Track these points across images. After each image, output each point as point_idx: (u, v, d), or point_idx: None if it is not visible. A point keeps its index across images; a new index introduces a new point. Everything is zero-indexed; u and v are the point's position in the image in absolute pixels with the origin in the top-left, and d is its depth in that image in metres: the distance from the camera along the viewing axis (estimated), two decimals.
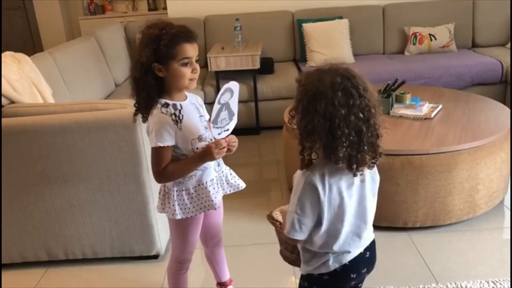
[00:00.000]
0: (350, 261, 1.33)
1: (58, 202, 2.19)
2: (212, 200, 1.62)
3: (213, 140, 1.58)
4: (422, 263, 2.18)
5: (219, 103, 1.49)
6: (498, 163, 2.38)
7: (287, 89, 3.83)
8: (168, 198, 1.63)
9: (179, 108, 1.55)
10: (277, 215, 1.73)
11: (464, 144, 2.27)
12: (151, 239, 2.26)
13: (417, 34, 4.26)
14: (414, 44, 4.28)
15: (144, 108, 1.55)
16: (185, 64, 1.50)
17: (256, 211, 2.59)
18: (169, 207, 1.62)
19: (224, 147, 1.52)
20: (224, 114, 1.55)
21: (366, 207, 1.32)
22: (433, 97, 2.95)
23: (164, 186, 1.65)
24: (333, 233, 1.29)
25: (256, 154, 3.62)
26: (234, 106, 1.58)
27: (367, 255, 1.36)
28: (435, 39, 4.25)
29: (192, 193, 1.61)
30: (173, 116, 1.53)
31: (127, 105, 2.14)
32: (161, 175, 1.55)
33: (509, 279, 2.00)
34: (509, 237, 2.31)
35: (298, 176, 1.27)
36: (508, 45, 4.29)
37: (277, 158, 3.43)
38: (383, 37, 4.42)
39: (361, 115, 1.18)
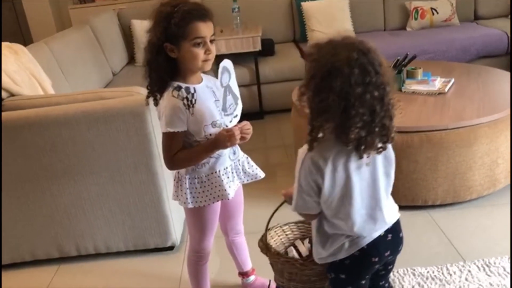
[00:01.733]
0: (368, 245, 1.27)
1: (67, 197, 2.10)
2: (226, 190, 1.54)
3: (226, 127, 1.51)
4: (446, 241, 2.13)
5: (222, 85, 1.42)
6: None
7: (290, 70, 3.74)
8: (181, 185, 1.56)
9: (192, 91, 1.46)
10: (273, 236, 1.70)
11: (483, 117, 2.21)
12: (166, 230, 2.18)
13: (419, 8, 4.17)
14: (415, 19, 4.19)
15: (156, 90, 1.47)
16: (198, 44, 1.40)
17: (269, 197, 2.51)
18: (181, 195, 1.55)
19: (236, 135, 1.44)
20: (230, 99, 1.48)
21: (379, 188, 1.25)
22: (443, 72, 2.88)
23: (178, 173, 1.57)
24: (343, 215, 1.24)
25: (261, 140, 3.53)
26: (235, 88, 1.51)
27: (389, 238, 1.30)
28: (437, 13, 4.16)
29: (205, 181, 1.54)
30: (185, 100, 1.43)
31: (134, 92, 2.05)
32: (171, 161, 1.47)
33: None
34: None
35: (303, 152, 1.22)
36: None
37: (284, 143, 3.35)
38: (383, 13, 4.32)
39: (376, 93, 1.11)
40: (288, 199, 1.37)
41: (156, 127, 2.02)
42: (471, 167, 2.23)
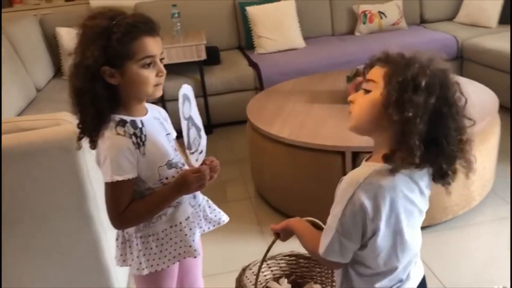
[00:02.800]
0: None
1: None
2: (190, 246, 1.26)
3: (187, 167, 1.23)
4: (426, 269, 1.92)
5: (184, 118, 1.13)
6: (490, 149, 2.18)
7: (239, 80, 3.46)
8: (130, 247, 1.24)
9: (140, 125, 1.16)
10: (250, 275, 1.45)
11: None
12: (108, 283, 1.82)
13: (367, 12, 4.04)
14: (364, 23, 4.05)
15: (92, 129, 1.14)
16: (147, 65, 1.11)
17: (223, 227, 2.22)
18: (132, 259, 1.24)
19: (206, 176, 1.17)
20: (193, 132, 1.19)
21: (419, 230, 1.06)
22: None
23: (124, 232, 1.25)
24: (388, 269, 1.01)
25: (212, 155, 3.21)
26: (197, 118, 1.23)
27: None
28: (385, 16, 4.05)
29: (162, 239, 1.23)
30: (134, 138, 1.13)
31: (61, 120, 1.68)
32: (121, 219, 1.16)
33: None
34: (509, 229, 2.13)
35: (347, 183, 0.95)
36: (456, 19, 4.19)
37: (237, 157, 3.07)
38: (331, 17, 4.15)
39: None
40: (282, 235, 1.20)
41: (90, 163, 1.67)
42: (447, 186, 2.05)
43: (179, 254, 1.24)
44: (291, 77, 3.34)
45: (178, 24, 3.57)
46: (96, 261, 1.77)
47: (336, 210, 0.96)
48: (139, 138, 1.14)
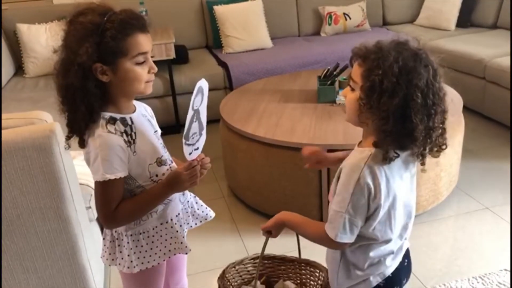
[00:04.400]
0: (393, 273, 1.15)
1: None
2: (182, 242, 1.26)
3: (175, 165, 1.24)
4: None
5: (192, 108, 1.13)
6: (456, 146, 2.28)
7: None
8: (119, 246, 1.22)
9: (130, 123, 1.15)
10: (233, 273, 1.45)
11: None
12: (85, 285, 1.78)
13: (332, 13, 4.11)
14: (329, 24, 4.13)
15: (83, 127, 1.11)
16: (140, 63, 1.11)
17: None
18: (122, 258, 1.22)
19: (198, 173, 1.17)
20: (195, 126, 1.18)
21: (412, 206, 1.16)
22: None
23: (114, 230, 1.22)
24: (383, 237, 1.10)
25: (180, 155, 3.18)
26: (204, 115, 1.21)
27: (405, 263, 1.20)
28: (350, 18, 4.14)
29: (153, 236, 1.23)
30: (125, 136, 1.12)
31: (35, 119, 1.63)
32: (113, 218, 1.14)
33: (496, 272, 1.90)
34: (474, 224, 2.23)
35: (351, 169, 1.04)
36: (417, 22, 4.34)
37: (208, 156, 3.04)
38: (297, 18, 4.20)
39: (444, 91, 1.04)
40: (274, 231, 1.24)
41: (67, 163, 1.62)
42: (418, 182, 2.12)
43: (169, 250, 1.24)
44: (260, 77, 3.37)
45: (148, 22, 3.51)
46: (72, 263, 1.72)
47: (343, 196, 1.04)
48: (129, 136, 1.12)
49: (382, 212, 1.05)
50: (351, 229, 1.05)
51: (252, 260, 1.55)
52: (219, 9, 3.83)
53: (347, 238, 1.06)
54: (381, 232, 1.08)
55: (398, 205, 1.08)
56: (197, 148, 1.21)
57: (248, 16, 3.83)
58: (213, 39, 3.99)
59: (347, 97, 1.09)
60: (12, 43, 3.58)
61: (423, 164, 1.08)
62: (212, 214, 1.40)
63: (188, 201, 1.33)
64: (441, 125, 1.04)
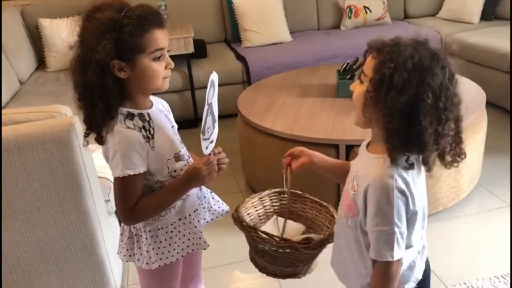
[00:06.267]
0: (422, 274, 1.11)
1: None
2: (200, 237, 1.26)
3: (192, 160, 1.23)
4: None
5: (207, 102, 1.13)
6: (479, 143, 2.23)
7: (226, 73, 3.44)
8: (138, 241, 1.22)
9: (148, 118, 1.15)
10: (246, 210, 1.37)
11: None
12: (103, 277, 1.80)
13: (352, 7, 4.06)
14: (349, 17, 4.08)
15: (101, 124, 1.11)
16: (157, 58, 1.10)
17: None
18: (141, 254, 1.22)
19: (214, 165, 1.17)
20: (209, 120, 1.17)
21: (426, 201, 1.09)
22: None
23: (132, 226, 1.23)
24: (417, 239, 1.06)
25: (197, 150, 3.19)
26: (215, 107, 1.21)
27: (427, 262, 1.15)
28: (370, 11, 4.08)
29: (171, 232, 1.23)
30: (143, 131, 1.12)
31: (55, 113, 1.65)
32: (132, 214, 1.14)
33: None
34: (496, 222, 2.18)
35: (382, 180, 0.97)
36: (439, 15, 4.25)
37: (226, 151, 3.04)
38: (317, 11, 4.16)
39: (460, 98, 0.98)
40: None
41: (87, 156, 1.64)
42: (438, 179, 2.09)
43: (188, 246, 1.24)
44: (278, 71, 3.34)
45: (165, 16, 3.52)
46: (91, 255, 1.75)
47: (383, 212, 0.97)
48: (148, 131, 1.12)
49: (419, 218, 1.01)
50: (402, 243, 0.98)
51: (268, 195, 1.45)
52: (238, 3, 3.81)
53: (401, 252, 0.99)
54: (416, 238, 1.04)
55: (419, 207, 1.03)
56: (212, 141, 1.21)
57: (267, 10, 3.80)
58: (232, 33, 3.98)
59: (356, 90, 1.02)
60: (35, 37, 3.64)
61: (428, 170, 1.02)
62: (226, 208, 1.40)
63: (205, 197, 1.33)
64: (451, 133, 0.96)
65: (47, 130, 1.57)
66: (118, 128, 1.09)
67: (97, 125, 1.10)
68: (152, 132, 1.13)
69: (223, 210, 1.38)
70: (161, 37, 1.09)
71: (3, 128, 1.58)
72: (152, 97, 1.24)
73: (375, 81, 0.94)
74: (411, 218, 1.00)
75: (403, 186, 0.96)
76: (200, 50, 3.57)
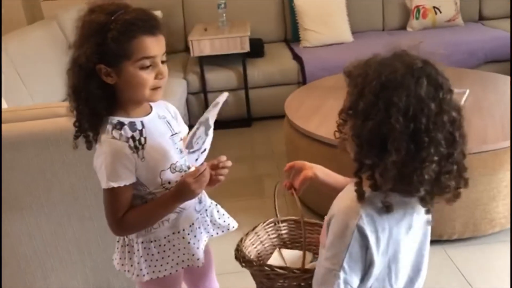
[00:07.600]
0: None
1: (14, 235, 1.73)
2: (194, 254, 1.20)
3: (190, 169, 1.16)
4: (464, 283, 1.81)
5: (200, 122, 1.10)
6: None
7: (281, 74, 3.40)
8: (129, 252, 1.19)
9: (139, 127, 1.10)
10: (249, 244, 1.28)
11: (509, 139, 1.89)
12: None
13: (420, 7, 3.85)
14: (417, 18, 3.87)
15: (87, 128, 1.10)
16: (146, 67, 1.05)
17: (255, 215, 2.17)
18: (131, 265, 1.19)
19: (206, 177, 1.09)
20: (200, 131, 1.12)
21: (424, 256, 0.97)
22: (454, 80, 2.52)
23: (125, 236, 1.20)
24: None
25: (248, 148, 3.18)
26: (213, 118, 1.15)
27: None
28: (440, 12, 3.84)
29: (164, 245, 1.18)
30: (131, 142, 1.07)
31: None
32: (120, 225, 1.11)
33: None
34: None
35: (346, 214, 0.88)
36: None
37: (274, 152, 3.02)
38: (382, 11, 3.99)
39: (453, 114, 0.83)
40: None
41: None
42: (494, 197, 1.91)
43: (182, 261, 1.19)
44: (335, 73, 3.23)
45: (224, 15, 3.54)
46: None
47: (336, 249, 0.87)
48: (137, 141, 1.08)
49: (378, 267, 0.88)
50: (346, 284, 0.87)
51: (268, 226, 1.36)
52: (299, 3, 3.74)
53: None
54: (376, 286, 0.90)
55: (402, 256, 0.90)
56: (204, 150, 1.16)
57: (328, 10, 3.70)
58: (292, 33, 3.92)
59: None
60: None
61: (427, 212, 0.89)
62: (234, 224, 1.31)
63: (206, 210, 1.27)
64: (435, 158, 0.80)
65: None
66: (104, 139, 1.06)
67: (84, 129, 1.09)
68: (142, 142, 1.08)
69: (229, 224, 1.31)
70: (150, 45, 1.03)
71: (45, 120, 1.65)
72: (157, 102, 1.17)
73: (344, 113, 0.87)
74: (369, 267, 0.86)
75: (367, 227, 0.84)
76: (257, 49, 3.55)
